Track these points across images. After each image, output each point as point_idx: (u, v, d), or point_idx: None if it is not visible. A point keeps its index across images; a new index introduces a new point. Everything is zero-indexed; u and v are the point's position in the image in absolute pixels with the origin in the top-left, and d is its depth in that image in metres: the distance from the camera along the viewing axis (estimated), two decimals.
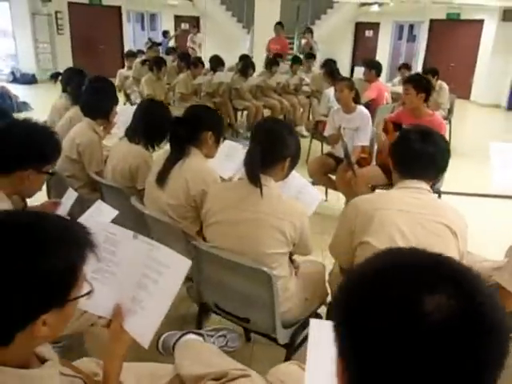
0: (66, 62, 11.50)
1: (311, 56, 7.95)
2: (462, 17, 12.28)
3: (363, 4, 13.97)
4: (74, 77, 3.96)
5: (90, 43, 13.26)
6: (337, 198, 4.28)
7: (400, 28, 14.60)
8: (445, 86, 6.11)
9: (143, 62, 7.26)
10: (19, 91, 9.08)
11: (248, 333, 2.30)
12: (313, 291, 2.00)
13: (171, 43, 12.23)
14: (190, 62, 6.69)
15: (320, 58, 8.23)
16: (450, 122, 6.21)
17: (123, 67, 8.11)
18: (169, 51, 9.55)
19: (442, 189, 3.74)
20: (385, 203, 1.75)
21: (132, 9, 14.46)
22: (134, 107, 2.94)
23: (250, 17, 12.43)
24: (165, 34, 12.62)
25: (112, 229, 1.27)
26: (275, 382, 1.36)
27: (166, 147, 2.51)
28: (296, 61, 7.60)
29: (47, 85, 9.67)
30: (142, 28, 15.50)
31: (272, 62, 7.35)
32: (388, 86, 6.80)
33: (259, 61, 8.64)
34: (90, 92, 3.21)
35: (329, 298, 2.13)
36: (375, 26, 14.89)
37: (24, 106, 8.18)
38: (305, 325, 1.94)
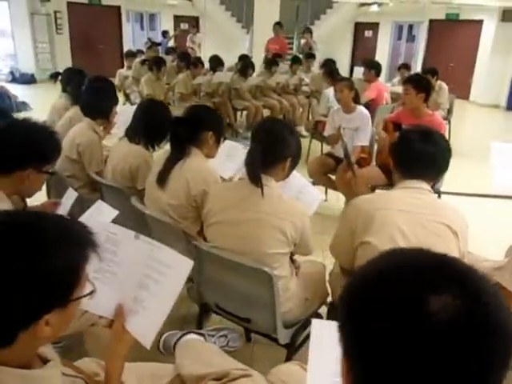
0: (65, 61, 11.49)
1: (311, 56, 7.95)
2: (462, 17, 12.29)
3: (362, 4, 13.98)
4: (74, 77, 3.95)
5: (89, 43, 13.25)
6: (336, 198, 4.28)
7: (399, 28, 14.62)
8: (444, 86, 6.11)
9: (143, 62, 7.26)
10: (18, 91, 9.07)
11: (248, 333, 2.29)
12: (313, 291, 2.00)
13: (170, 43, 12.23)
14: (190, 61, 6.69)
15: (319, 58, 8.23)
16: (449, 122, 6.21)
17: (122, 67, 8.10)
18: (168, 51, 9.54)
19: (442, 189, 3.74)
20: (385, 203, 1.75)
21: (131, 9, 14.45)
22: (134, 107, 2.94)
23: (249, 17, 12.43)
24: (164, 33, 12.62)
25: (113, 229, 1.26)
26: (276, 382, 1.36)
27: (166, 147, 2.51)
28: (295, 61, 7.60)
29: (46, 85, 9.67)
30: (142, 28, 15.50)
31: (271, 62, 7.35)
32: (387, 86, 6.80)
33: (258, 61, 8.65)
34: (89, 92, 3.21)
35: (329, 298, 2.13)
36: (374, 26, 14.90)
37: (23, 105, 8.18)
38: (305, 325, 1.94)
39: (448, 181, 3.67)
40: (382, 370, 0.57)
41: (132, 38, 14.94)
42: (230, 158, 2.75)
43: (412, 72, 6.92)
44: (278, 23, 9.12)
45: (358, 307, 0.61)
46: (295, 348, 1.91)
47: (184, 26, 14.92)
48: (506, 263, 1.81)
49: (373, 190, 3.74)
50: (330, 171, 4.10)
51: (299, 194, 2.32)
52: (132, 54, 8.14)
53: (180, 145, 2.20)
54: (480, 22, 11.72)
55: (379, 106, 5.40)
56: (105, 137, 3.11)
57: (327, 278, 2.17)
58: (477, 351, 0.54)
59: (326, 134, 4.12)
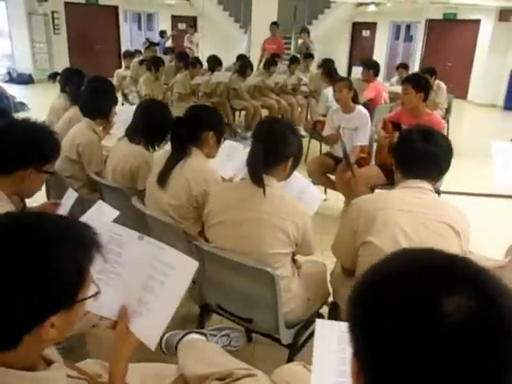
0: (62, 61, 11.47)
1: (309, 56, 7.95)
2: (459, 17, 12.32)
3: (360, 4, 14.00)
4: (73, 77, 3.95)
5: (86, 43, 13.22)
6: (336, 198, 4.29)
7: (397, 28, 14.65)
8: (443, 85, 6.12)
9: (141, 62, 7.25)
10: (16, 91, 9.05)
11: (249, 333, 2.29)
12: (315, 291, 2.00)
13: (168, 43, 12.22)
14: (189, 62, 6.68)
15: (317, 58, 8.23)
16: (447, 122, 6.22)
17: (120, 67, 8.08)
18: (166, 51, 9.54)
19: (441, 188, 3.74)
20: (387, 203, 1.75)
21: (129, 8, 14.43)
22: (133, 107, 2.93)
23: (247, 17, 12.42)
24: (162, 33, 12.61)
25: (117, 229, 1.26)
26: (280, 383, 1.36)
27: (166, 147, 2.50)
28: (294, 61, 7.60)
29: (44, 85, 9.66)
30: (139, 28, 15.48)
31: (270, 62, 7.35)
32: (386, 85, 6.81)
33: (256, 61, 8.66)
34: (89, 92, 3.20)
35: (330, 298, 2.13)
36: (372, 26, 14.93)
37: (21, 106, 8.15)
38: (307, 325, 1.94)
39: (447, 180, 3.66)
40: (395, 371, 0.57)
41: (130, 38, 14.93)
42: (230, 157, 2.75)
43: (410, 72, 6.93)
44: (274, 23, 9.13)
45: (369, 308, 0.61)
46: (297, 348, 1.91)
47: (182, 25, 14.91)
48: (506, 263, 1.81)
49: (372, 189, 3.74)
50: (330, 171, 4.10)
51: (301, 193, 2.32)
52: (130, 54, 8.12)
53: (181, 145, 2.19)
54: (477, 21, 11.76)
55: (378, 106, 5.40)
56: (104, 137, 3.10)
57: (328, 277, 2.17)
58: (491, 352, 0.54)
59: (324, 133, 4.12)
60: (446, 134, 5.11)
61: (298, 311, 1.89)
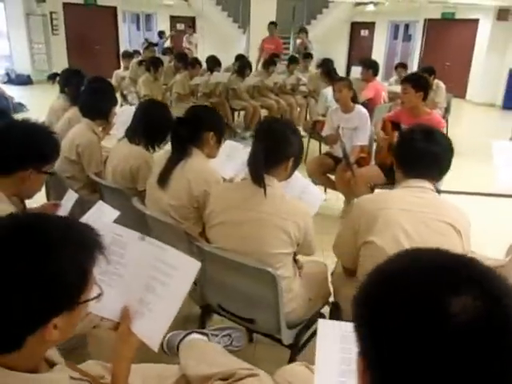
0: (61, 62, 11.45)
1: (308, 56, 7.96)
2: (457, 16, 12.33)
3: (358, 4, 14.01)
4: (72, 77, 3.94)
5: (85, 44, 13.20)
6: (336, 198, 4.28)
7: (395, 27, 14.66)
8: (441, 85, 6.12)
9: (140, 63, 7.24)
10: (14, 92, 9.03)
11: (250, 333, 2.29)
12: (317, 291, 2.00)
13: (167, 44, 12.21)
14: (188, 62, 6.68)
15: (315, 58, 8.24)
16: (446, 121, 6.22)
17: (119, 68, 8.08)
18: (165, 51, 9.54)
19: (441, 188, 3.74)
20: (387, 202, 1.75)
21: (127, 9, 14.42)
22: (133, 108, 2.93)
23: (245, 17, 12.43)
24: (161, 34, 12.61)
25: (119, 230, 1.25)
26: (282, 383, 1.35)
27: (166, 148, 2.50)
28: (293, 61, 7.60)
29: (43, 86, 9.62)
30: (138, 28, 15.48)
31: (269, 62, 7.35)
32: (385, 85, 6.81)
33: (255, 61, 8.66)
34: (88, 92, 3.20)
35: (331, 298, 2.13)
36: (371, 26, 14.95)
37: (20, 107, 8.14)
38: (308, 325, 1.94)
39: (446, 179, 3.66)
40: (401, 369, 0.57)
41: (128, 38, 14.92)
42: (230, 158, 2.75)
43: (409, 71, 6.93)
44: (272, 23, 9.14)
45: (375, 308, 0.61)
46: (299, 348, 1.91)
47: (180, 26, 14.92)
48: (507, 262, 1.81)
49: (372, 189, 3.74)
50: (329, 171, 4.10)
51: (301, 193, 2.32)
52: (129, 55, 8.12)
53: (181, 145, 2.18)
54: (476, 20, 11.77)
55: (377, 106, 5.40)
56: (104, 137, 3.10)
57: (329, 278, 2.17)
58: (498, 352, 0.54)
59: (324, 134, 4.12)
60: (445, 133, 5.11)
61: (300, 311, 1.89)
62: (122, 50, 11.59)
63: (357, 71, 6.57)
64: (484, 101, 11.36)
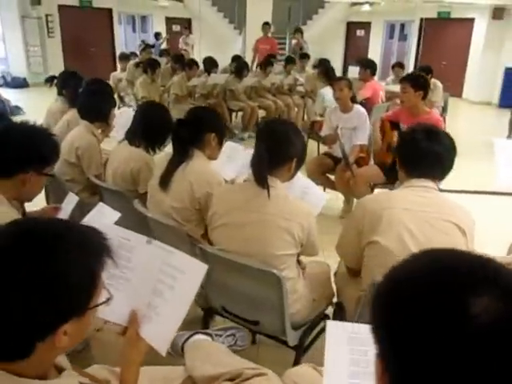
0: (57, 65, 11.43)
1: (305, 56, 7.96)
2: (453, 15, 12.37)
3: (354, 4, 14.05)
4: (70, 79, 3.92)
5: (81, 46, 13.15)
6: (336, 198, 4.28)
7: (391, 27, 14.70)
8: (439, 84, 6.14)
9: (137, 65, 7.23)
10: (10, 95, 8.99)
11: (253, 335, 2.28)
12: (320, 292, 1.99)
13: (163, 45, 12.20)
14: (185, 63, 6.67)
15: (312, 58, 8.24)
16: (444, 120, 6.22)
17: (115, 70, 8.10)
18: (162, 53, 9.52)
19: (442, 187, 3.74)
20: (391, 202, 1.75)
21: (123, 11, 14.38)
22: (131, 110, 2.92)
23: (241, 18, 12.43)
24: (157, 35, 12.59)
25: (125, 234, 1.24)
26: None
27: (166, 150, 2.49)
28: (290, 61, 7.61)
29: (39, 88, 9.59)
30: (134, 30, 15.45)
31: (266, 63, 7.35)
32: (382, 84, 6.82)
33: (250, 61, 8.65)
34: (86, 94, 3.19)
35: (335, 299, 2.12)
36: (366, 26, 14.98)
37: (16, 110, 8.10)
38: (313, 326, 1.94)
39: (446, 178, 3.67)
40: (421, 371, 0.56)
41: (124, 40, 14.89)
42: (231, 159, 2.74)
43: (405, 71, 6.94)
44: (266, 23, 9.15)
45: (393, 310, 0.60)
46: (303, 349, 1.90)
47: (176, 27, 14.89)
48: (511, 260, 1.81)
49: (372, 189, 3.74)
50: (329, 171, 4.10)
51: (304, 194, 2.31)
52: (126, 57, 8.11)
53: (182, 147, 2.18)
54: (471, 20, 11.81)
55: (375, 105, 5.41)
56: (103, 140, 3.08)
57: (332, 278, 2.16)
58: None
59: (322, 134, 4.12)
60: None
61: (304, 312, 1.88)
62: (117, 51, 11.58)
63: (354, 71, 6.59)
64: (480, 99, 11.40)
